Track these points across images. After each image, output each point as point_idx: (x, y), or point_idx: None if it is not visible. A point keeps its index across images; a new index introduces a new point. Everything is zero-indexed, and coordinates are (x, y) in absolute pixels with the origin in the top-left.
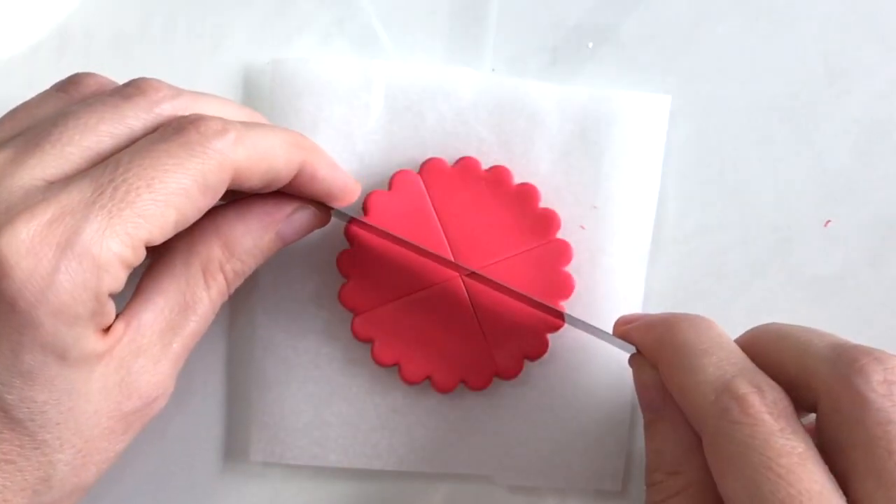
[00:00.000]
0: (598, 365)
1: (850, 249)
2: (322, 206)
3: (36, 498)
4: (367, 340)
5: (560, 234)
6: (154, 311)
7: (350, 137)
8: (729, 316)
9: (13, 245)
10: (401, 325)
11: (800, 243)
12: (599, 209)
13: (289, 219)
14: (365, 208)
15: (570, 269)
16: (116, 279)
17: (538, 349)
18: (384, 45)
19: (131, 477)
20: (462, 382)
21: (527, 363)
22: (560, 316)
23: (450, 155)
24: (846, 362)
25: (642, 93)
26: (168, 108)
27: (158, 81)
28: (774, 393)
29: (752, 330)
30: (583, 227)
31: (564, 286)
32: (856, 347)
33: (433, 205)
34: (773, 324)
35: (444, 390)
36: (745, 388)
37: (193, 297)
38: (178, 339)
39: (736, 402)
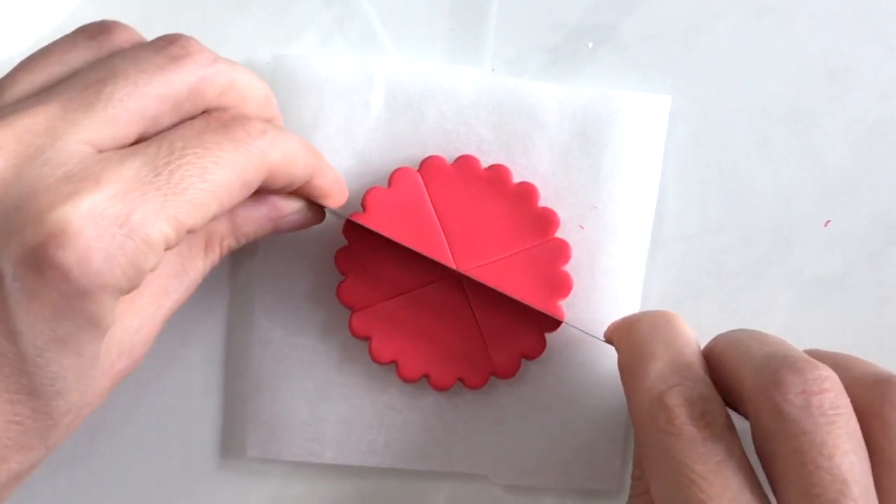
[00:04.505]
0: (595, 364)
1: (850, 249)
2: (317, 205)
3: (30, 454)
4: (365, 337)
5: (559, 234)
6: (153, 274)
7: (350, 135)
8: (729, 316)
9: (75, 216)
10: (398, 323)
11: (800, 243)
12: (599, 209)
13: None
14: (364, 204)
15: (569, 268)
16: (158, 260)
17: (535, 348)
18: (384, 46)
19: (129, 472)
20: (459, 381)
21: (524, 362)
22: (555, 322)
23: (450, 153)
24: (768, 373)
25: (642, 93)
26: (211, 73)
27: (197, 42)
28: (705, 404)
29: (716, 336)
30: (582, 227)
31: (563, 285)
32: (784, 358)
33: (432, 202)
34: (735, 330)
35: (440, 388)
36: (674, 399)
37: (191, 265)
38: (169, 302)
39: (663, 413)
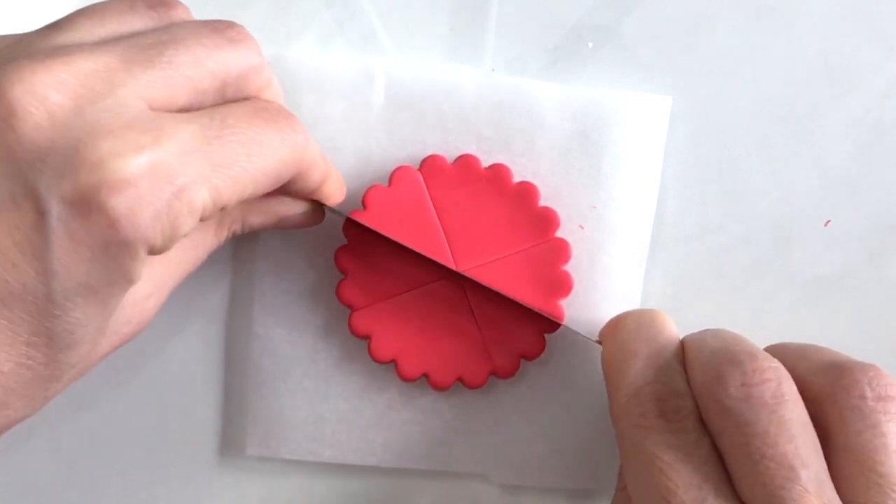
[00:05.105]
0: (594, 364)
1: (850, 249)
2: (318, 205)
3: (28, 404)
4: (364, 336)
5: (559, 234)
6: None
7: (351, 133)
8: (729, 316)
9: (135, 167)
10: (398, 322)
11: (800, 243)
12: (599, 209)
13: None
14: (364, 203)
15: (569, 268)
16: (192, 228)
17: (535, 348)
18: (384, 46)
19: (129, 469)
20: (458, 380)
21: (523, 362)
22: (555, 322)
23: (450, 152)
24: (711, 370)
25: (643, 93)
26: (260, 64)
27: (250, 33)
28: (678, 400)
29: (693, 333)
30: (582, 227)
31: (563, 285)
32: (727, 353)
33: (433, 201)
34: (709, 329)
35: (440, 388)
36: (649, 396)
37: (202, 241)
38: (179, 273)
39: (638, 409)
